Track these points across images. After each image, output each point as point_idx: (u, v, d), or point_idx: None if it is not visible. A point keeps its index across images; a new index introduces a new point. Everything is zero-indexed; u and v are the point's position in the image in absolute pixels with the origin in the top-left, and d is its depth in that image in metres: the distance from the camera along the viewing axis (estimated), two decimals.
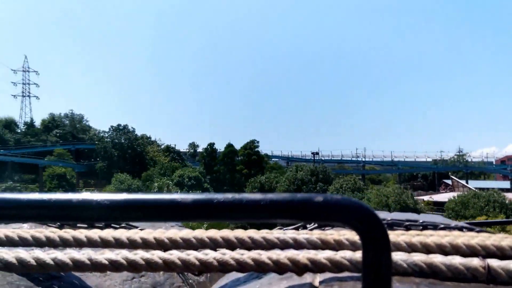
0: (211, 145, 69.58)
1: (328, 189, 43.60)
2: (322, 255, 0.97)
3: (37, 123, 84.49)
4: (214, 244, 1.05)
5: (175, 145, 77.29)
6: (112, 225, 1.25)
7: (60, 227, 1.21)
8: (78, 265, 0.94)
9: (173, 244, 1.05)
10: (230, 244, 1.05)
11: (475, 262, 0.97)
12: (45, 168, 63.55)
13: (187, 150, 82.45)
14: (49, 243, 1.05)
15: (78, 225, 1.25)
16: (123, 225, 1.27)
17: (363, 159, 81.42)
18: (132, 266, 0.94)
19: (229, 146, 68.52)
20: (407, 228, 1.23)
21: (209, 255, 0.97)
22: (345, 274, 0.96)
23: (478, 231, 1.21)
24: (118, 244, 1.03)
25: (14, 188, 58.03)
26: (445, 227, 1.22)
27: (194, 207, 0.74)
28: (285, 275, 0.98)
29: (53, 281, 1.09)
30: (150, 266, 0.94)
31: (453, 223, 1.32)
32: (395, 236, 1.10)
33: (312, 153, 70.60)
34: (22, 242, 1.05)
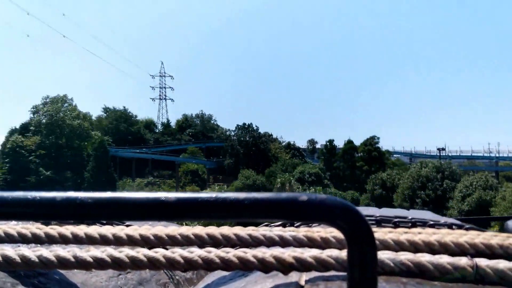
0: (330, 141, 70.18)
1: (456, 186, 40.83)
2: (308, 254, 0.97)
3: (173, 123, 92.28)
4: (200, 241, 1.05)
5: (294, 142, 78.95)
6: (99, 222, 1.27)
7: (46, 224, 1.23)
8: (63, 263, 0.95)
9: (159, 241, 1.06)
10: (215, 242, 1.05)
11: (463, 261, 0.95)
12: (180, 165, 69.11)
13: (306, 147, 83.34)
14: (35, 240, 1.06)
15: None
16: (110, 221, 1.29)
17: (497, 155, 75.12)
18: (117, 264, 0.95)
19: (349, 143, 68.66)
20: (396, 225, 1.21)
21: (195, 253, 0.98)
22: (331, 273, 0.96)
23: (467, 229, 1.16)
24: (103, 241, 1.05)
25: (154, 182, 63.49)
26: (434, 224, 1.19)
27: (178, 206, 0.75)
28: (271, 273, 0.98)
29: (39, 278, 1.10)
30: (135, 264, 0.95)
31: (443, 219, 1.27)
32: (382, 233, 1.10)
33: (438, 149, 66.56)
34: (8, 239, 1.06)
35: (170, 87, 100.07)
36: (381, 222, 1.22)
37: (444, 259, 0.96)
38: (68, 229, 1.07)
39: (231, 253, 0.98)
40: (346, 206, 0.75)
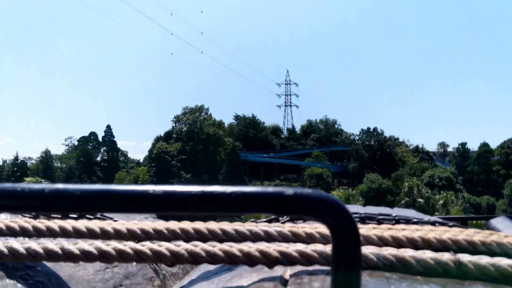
0: (463, 144, 66.84)
1: None
2: (293, 248, 0.98)
3: (297, 129, 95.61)
4: (186, 236, 1.08)
5: (422, 145, 77.48)
6: (87, 216, 1.28)
7: (35, 218, 1.25)
8: (51, 255, 0.96)
9: (146, 235, 1.07)
10: (202, 236, 1.09)
11: (445, 257, 0.96)
12: (305, 169, 70.57)
13: (436, 150, 79.94)
14: (23, 233, 1.08)
15: (53, 215, 1.27)
16: (97, 216, 1.29)
17: None
18: (104, 257, 0.96)
19: (484, 146, 65.63)
20: (380, 222, 1.17)
21: (181, 246, 0.99)
22: (316, 267, 0.97)
23: (450, 226, 1.08)
24: (91, 234, 1.06)
25: (281, 185, 66.25)
26: (418, 221, 1.12)
27: (165, 199, 0.75)
28: (256, 267, 0.99)
29: (27, 270, 1.10)
30: (122, 257, 0.97)
31: (426, 217, 1.21)
32: (366, 230, 1.08)
33: None
34: None
35: (295, 94, 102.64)
36: (365, 219, 1.20)
37: (427, 255, 0.97)
38: (56, 223, 1.09)
39: (217, 247, 1.00)
40: (332, 200, 0.76)
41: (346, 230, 0.75)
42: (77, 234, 1.10)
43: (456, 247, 1.02)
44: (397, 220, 1.19)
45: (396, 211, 1.30)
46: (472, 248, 1.02)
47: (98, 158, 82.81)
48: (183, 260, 1.00)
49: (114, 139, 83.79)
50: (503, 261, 0.94)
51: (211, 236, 1.15)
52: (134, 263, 1.29)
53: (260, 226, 1.14)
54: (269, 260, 0.98)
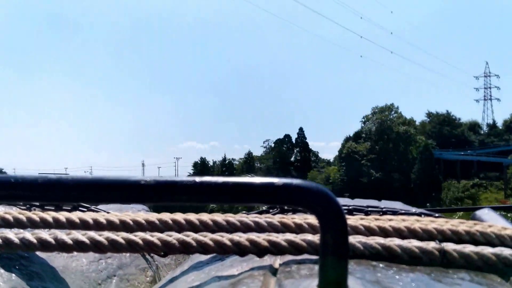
0: None
1: None
2: (282, 238, 1.00)
3: (499, 123, 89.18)
4: (178, 227, 1.10)
5: None
6: (80, 208, 1.29)
7: (29, 210, 1.25)
8: (45, 245, 0.98)
9: (138, 226, 1.08)
10: (193, 227, 1.11)
11: (431, 245, 0.98)
12: (508, 166, 67.31)
13: None
14: (17, 224, 1.09)
15: (46, 207, 1.28)
16: (91, 208, 1.31)
17: None
18: (97, 247, 0.98)
19: None
20: (367, 214, 1.19)
21: (172, 236, 1.01)
22: (305, 256, 0.99)
23: (436, 217, 1.11)
24: (84, 225, 1.08)
25: (480, 184, 66.19)
26: (405, 213, 1.15)
27: (157, 189, 0.77)
28: (247, 257, 1.01)
29: (21, 261, 1.11)
30: (115, 246, 0.99)
31: (413, 209, 1.21)
32: (354, 220, 1.11)
33: None
34: None
35: (496, 87, 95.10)
36: (353, 211, 1.22)
37: (412, 244, 0.97)
38: (49, 214, 1.11)
39: (208, 237, 1.02)
40: (321, 190, 0.78)
41: (334, 219, 0.77)
42: (70, 225, 1.12)
43: (441, 236, 1.04)
44: (384, 212, 1.22)
45: (383, 204, 1.32)
46: (457, 237, 1.04)
47: (292, 159, 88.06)
48: (174, 250, 1.02)
49: (306, 140, 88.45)
50: (486, 250, 0.97)
51: (203, 227, 1.16)
52: (128, 254, 1.30)
53: (250, 217, 1.16)
54: (258, 250, 1.00)
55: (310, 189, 0.77)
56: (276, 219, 1.15)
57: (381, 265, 0.95)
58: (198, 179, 0.78)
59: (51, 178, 0.76)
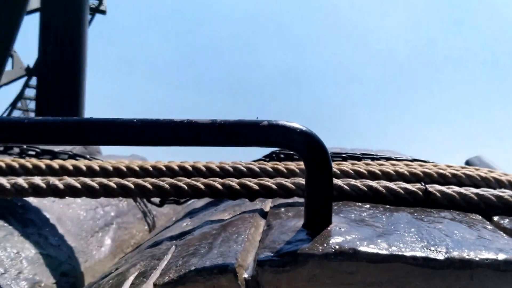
0: None
1: None
2: (272, 181, 1.02)
3: None
4: (171, 173, 1.11)
5: None
6: (77, 158, 1.29)
7: (22, 157, 1.26)
8: (37, 191, 0.98)
9: (131, 173, 1.10)
10: (187, 173, 1.11)
11: (415, 187, 0.98)
12: None
13: None
14: (11, 172, 1.09)
15: (41, 157, 1.29)
16: (86, 157, 1.32)
17: None
18: (89, 191, 0.99)
19: None
20: (360, 160, 1.21)
21: (165, 182, 1.02)
22: (295, 199, 1.01)
23: (427, 162, 1.12)
24: (77, 172, 1.09)
25: None
26: (397, 159, 1.16)
27: (144, 130, 0.77)
28: (239, 201, 1.04)
29: (16, 208, 1.11)
30: (107, 191, 0.99)
31: (408, 156, 1.22)
32: (346, 165, 1.12)
33: None
34: None
35: None
36: (347, 158, 1.22)
37: (399, 185, 0.99)
38: (42, 162, 1.12)
39: (200, 182, 1.03)
40: (305, 130, 0.79)
41: (318, 159, 0.79)
42: (64, 171, 1.12)
43: (429, 179, 1.07)
44: (377, 158, 1.23)
45: (379, 151, 1.33)
46: (444, 180, 1.07)
47: None
48: (167, 194, 1.04)
49: None
50: (470, 190, 0.99)
51: (196, 172, 1.17)
52: (125, 203, 1.30)
53: (244, 163, 1.17)
54: (250, 193, 1.02)
55: (294, 129, 0.78)
56: (268, 165, 1.16)
57: (366, 205, 0.97)
58: (185, 120, 0.79)
59: (37, 119, 0.77)
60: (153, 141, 0.80)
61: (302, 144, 0.78)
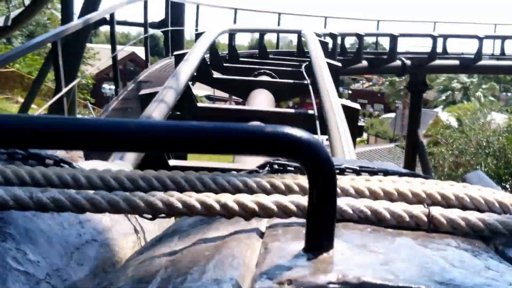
0: None
1: None
2: (271, 200, 0.98)
3: None
4: (162, 186, 1.05)
5: None
6: (61, 164, 1.22)
7: None
8: (20, 203, 0.92)
9: (119, 185, 1.05)
10: (179, 187, 1.10)
11: (418, 210, 0.98)
12: None
13: None
14: None
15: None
16: (73, 164, 1.23)
17: None
18: (76, 206, 0.93)
19: None
20: (358, 174, 1.17)
21: (155, 197, 0.97)
22: (293, 219, 0.97)
23: (425, 178, 1.10)
24: (62, 183, 1.04)
25: None
26: (395, 172, 1.14)
27: (135, 136, 0.74)
28: (233, 220, 0.99)
29: None
30: (95, 206, 0.94)
31: (404, 170, 1.21)
32: (344, 181, 1.08)
33: None
34: None
35: None
36: (344, 170, 1.19)
37: (401, 207, 0.96)
38: (23, 169, 1.06)
39: (193, 197, 0.98)
40: (315, 144, 0.73)
41: (324, 177, 0.75)
42: (47, 181, 1.06)
43: (430, 200, 1.04)
44: (375, 172, 1.21)
45: (375, 164, 1.31)
46: (445, 201, 1.04)
47: None
48: (157, 211, 0.98)
49: None
50: (473, 215, 0.96)
51: (189, 186, 1.13)
52: (108, 218, 1.24)
53: (239, 177, 1.13)
54: (246, 212, 0.97)
55: (302, 141, 0.72)
56: (265, 179, 1.12)
57: (368, 228, 0.94)
58: (180, 123, 0.74)
59: (24, 116, 0.77)
60: (148, 147, 0.79)
61: (308, 156, 0.73)
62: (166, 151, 0.86)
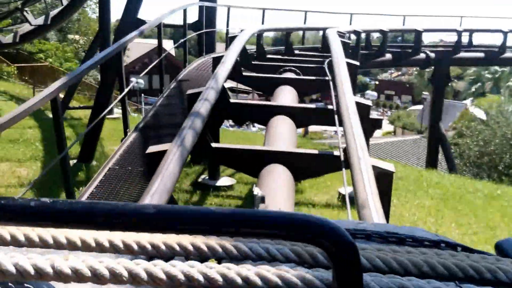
0: None
1: None
2: (294, 273, 0.94)
3: None
4: (184, 253, 1.03)
5: None
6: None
7: None
8: (40, 273, 0.90)
9: (142, 251, 1.04)
10: (200, 254, 1.04)
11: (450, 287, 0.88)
12: None
13: None
14: (13, 242, 1.02)
15: None
16: None
17: None
18: (97, 277, 0.91)
19: None
20: (385, 240, 1.12)
21: (176, 267, 0.95)
22: None
23: (456, 250, 1.05)
24: (85, 247, 1.03)
25: None
26: (424, 239, 1.09)
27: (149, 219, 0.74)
28: None
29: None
30: (116, 278, 0.91)
31: (434, 237, 1.15)
32: (370, 251, 1.04)
33: None
34: None
35: None
36: (370, 236, 1.15)
37: (432, 285, 0.90)
38: (49, 232, 1.04)
39: (214, 269, 0.95)
40: (332, 226, 0.72)
41: (347, 259, 0.72)
42: (67, 246, 1.04)
43: (462, 274, 0.99)
44: (402, 240, 1.16)
45: (402, 229, 1.26)
46: (478, 276, 0.99)
47: None
48: (178, 282, 0.94)
49: None
50: None
51: (211, 253, 1.10)
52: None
53: (261, 244, 1.10)
54: (268, 286, 0.93)
55: (319, 224, 0.71)
56: (287, 247, 1.08)
57: None
58: (203, 209, 0.73)
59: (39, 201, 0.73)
60: (167, 228, 0.76)
61: (330, 243, 0.71)
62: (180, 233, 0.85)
